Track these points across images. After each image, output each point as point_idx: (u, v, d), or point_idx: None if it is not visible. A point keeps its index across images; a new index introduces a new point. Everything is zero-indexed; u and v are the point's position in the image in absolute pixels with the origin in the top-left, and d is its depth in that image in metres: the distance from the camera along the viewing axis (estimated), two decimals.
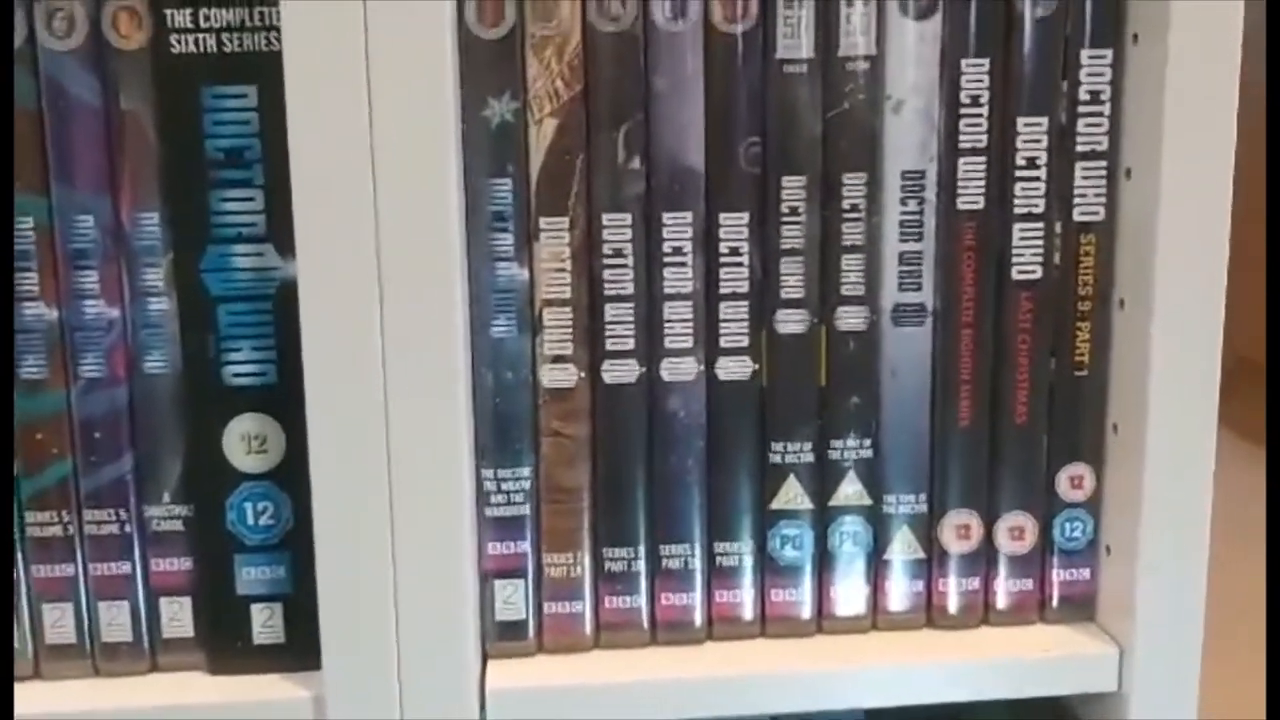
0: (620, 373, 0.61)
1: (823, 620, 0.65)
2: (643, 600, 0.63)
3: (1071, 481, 0.64)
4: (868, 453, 0.63)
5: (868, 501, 0.64)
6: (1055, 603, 0.65)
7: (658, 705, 0.62)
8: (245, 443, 0.60)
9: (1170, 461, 0.61)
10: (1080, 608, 0.66)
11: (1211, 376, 0.60)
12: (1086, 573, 0.65)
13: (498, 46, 0.57)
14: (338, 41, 0.53)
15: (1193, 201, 0.58)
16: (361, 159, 0.55)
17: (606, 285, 0.60)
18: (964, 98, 0.60)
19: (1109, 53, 0.60)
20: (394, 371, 0.56)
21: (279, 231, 0.57)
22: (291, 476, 0.60)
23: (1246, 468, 2.29)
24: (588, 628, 0.63)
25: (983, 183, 0.60)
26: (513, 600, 0.63)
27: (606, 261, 0.60)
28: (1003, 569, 0.65)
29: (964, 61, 0.59)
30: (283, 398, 0.59)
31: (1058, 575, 0.65)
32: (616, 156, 0.59)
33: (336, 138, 0.54)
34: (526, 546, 0.62)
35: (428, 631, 0.59)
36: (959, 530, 0.64)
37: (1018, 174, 0.60)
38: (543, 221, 0.59)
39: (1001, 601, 0.65)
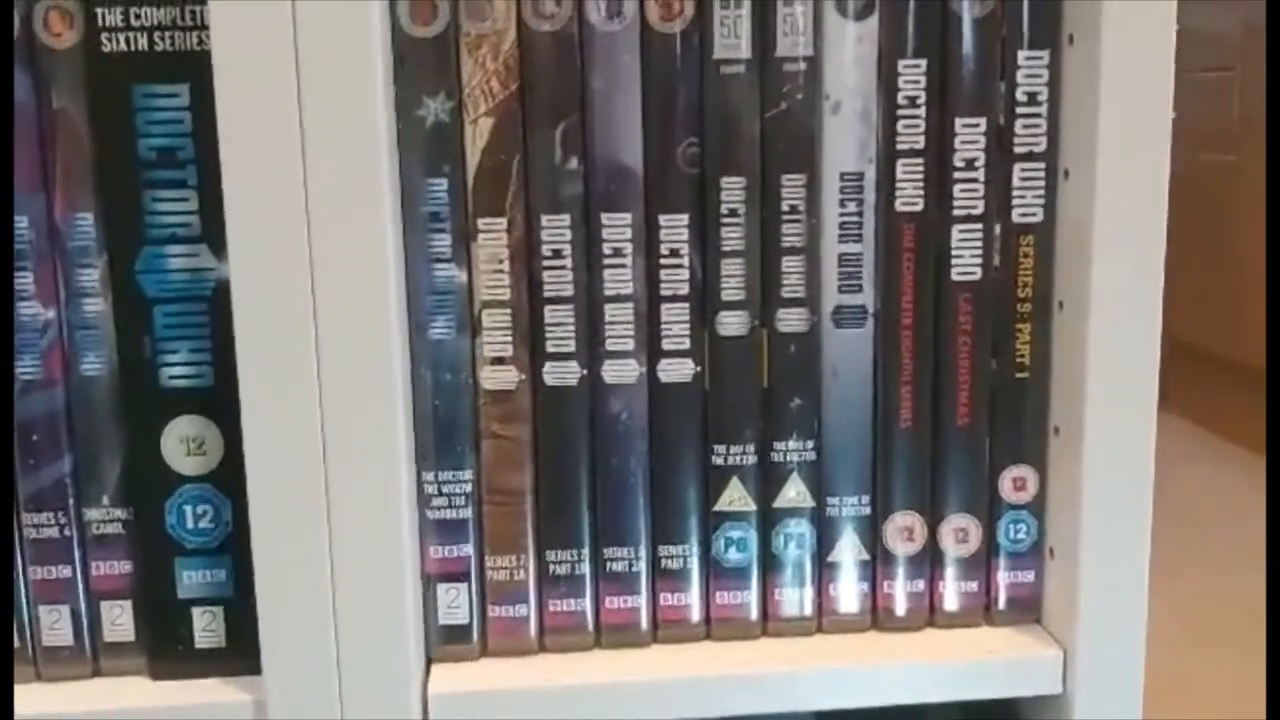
0: (561, 374, 0.60)
1: (768, 623, 0.63)
2: (587, 603, 0.62)
3: (1014, 483, 0.63)
4: (810, 454, 0.62)
5: (811, 503, 0.62)
6: (1001, 605, 0.64)
7: (603, 708, 0.60)
8: (184, 445, 0.59)
9: (1109, 463, 0.59)
10: (1026, 610, 0.64)
11: (1150, 378, 0.59)
12: (1031, 575, 0.64)
13: (431, 45, 0.56)
14: (267, 41, 0.52)
15: (1129, 202, 0.57)
16: (293, 159, 0.53)
17: (546, 286, 0.59)
18: (902, 99, 0.58)
19: (1046, 53, 0.59)
20: (329, 374, 0.55)
21: (214, 232, 0.55)
22: (231, 479, 0.58)
23: (1196, 451, 2.30)
24: (532, 631, 0.62)
25: (921, 184, 0.59)
26: (456, 604, 0.61)
27: (545, 262, 0.58)
28: (948, 571, 0.64)
29: (901, 62, 0.58)
30: (221, 400, 0.57)
31: (1003, 577, 0.64)
32: (554, 156, 0.58)
33: (267, 138, 0.53)
34: (469, 549, 0.61)
35: (368, 635, 0.58)
36: (903, 532, 0.63)
37: (956, 175, 0.59)
38: (480, 222, 0.58)
39: (947, 604, 0.64)
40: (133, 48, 0.55)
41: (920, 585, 0.64)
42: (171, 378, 0.58)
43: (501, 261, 0.58)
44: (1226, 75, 2.26)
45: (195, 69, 0.55)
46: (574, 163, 0.58)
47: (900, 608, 0.64)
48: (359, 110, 0.53)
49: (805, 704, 0.62)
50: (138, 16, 0.54)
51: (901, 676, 0.62)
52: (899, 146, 0.59)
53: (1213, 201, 2.25)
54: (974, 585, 0.64)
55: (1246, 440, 2.28)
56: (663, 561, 0.62)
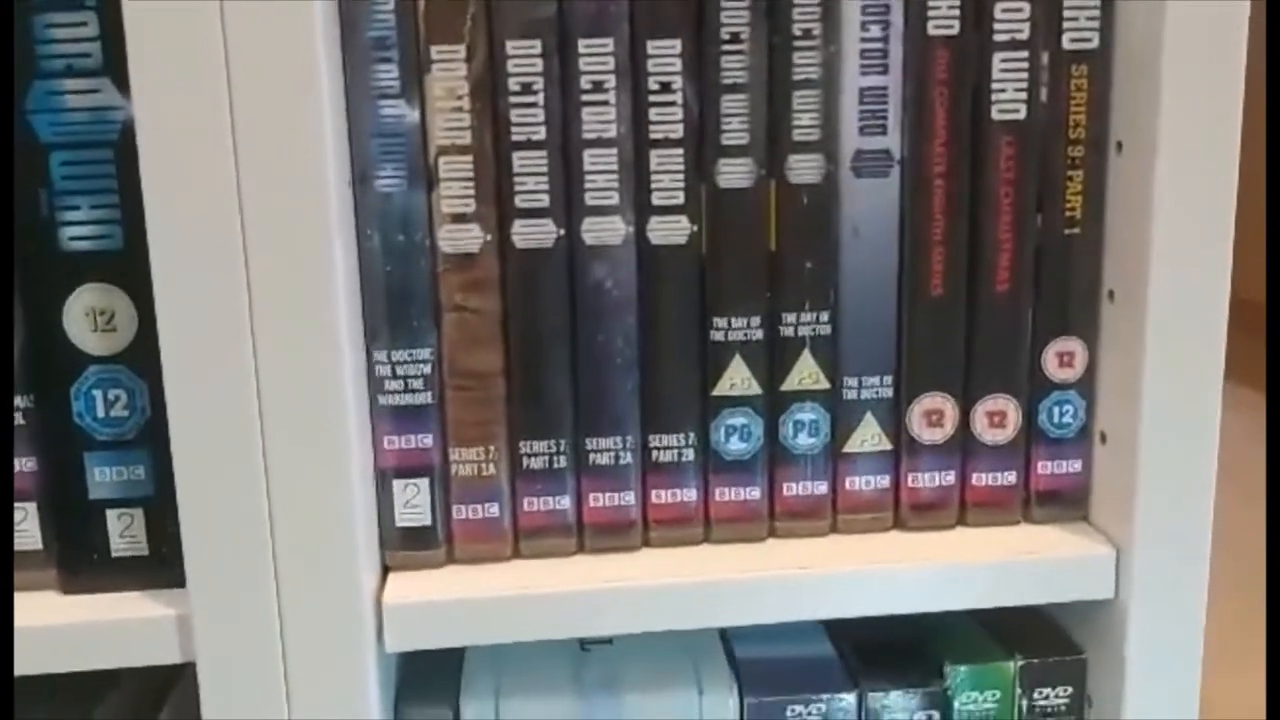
0: (534, 235, 0.51)
1: (775, 522, 0.56)
2: (568, 501, 0.54)
3: (1060, 359, 0.55)
4: (825, 328, 0.54)
5: (825, 385, 0.54)
6: (1042, 498, 0.57)
7: (587, 621, 0.53)
8: (90, 319, 0.50)
9: (1176, 334, 0.51)
10: (1071, 504, 0.57)
11: (1225, 230, 0.50)
12: (1078, 464, 0.56)
13: None
14: None
15: (1204, 21, 0.48)
16: None
17: (514, 129, 0.50)
18: None
19: None
20: (254, 232, 0.46)
21: (118, 63, 0.46)
22: (146, 358, 0.49)
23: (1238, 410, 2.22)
24: (505, 533, 0.54)
25: (957, 2, 0.50)
26: (415, 503, 0.53)
27: (513, 99, 0.50)
28: (981, 460, 0.56)
29: None
30: (131, 265, 0.48)
31: (1044, 467, 0.56)
32: None
33: None
34: (430, 441, 0.53)
35: (309, 539, 0.49)
36: (930, 416, 0.55)
37: None
38: (434, 50, 0.49)
39: (980, 497, 0.56)
40: None
41: (950, 477, 0.56)
42: (73, 239, 0.49)
43: (460, 98, 0.49)
44: None
45: None
46: None
47: (926, 503, 0.56)
48: None
49: (816, 613, 0.55)
50: None
51: (928, 581, 0.54)
52: None
53: None
54: (1011, 476, 0.56)
55: (1237, 374, 2.19)
56: (654, 453, 0.54)
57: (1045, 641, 0.58)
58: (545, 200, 0.51)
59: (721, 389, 0.54)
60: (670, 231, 0.52)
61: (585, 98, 0.50)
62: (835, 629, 0.60)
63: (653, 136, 0.51)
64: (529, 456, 0.53)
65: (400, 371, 0.52)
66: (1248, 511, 1.64)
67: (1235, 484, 1.69)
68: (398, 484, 0.53)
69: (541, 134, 0.50)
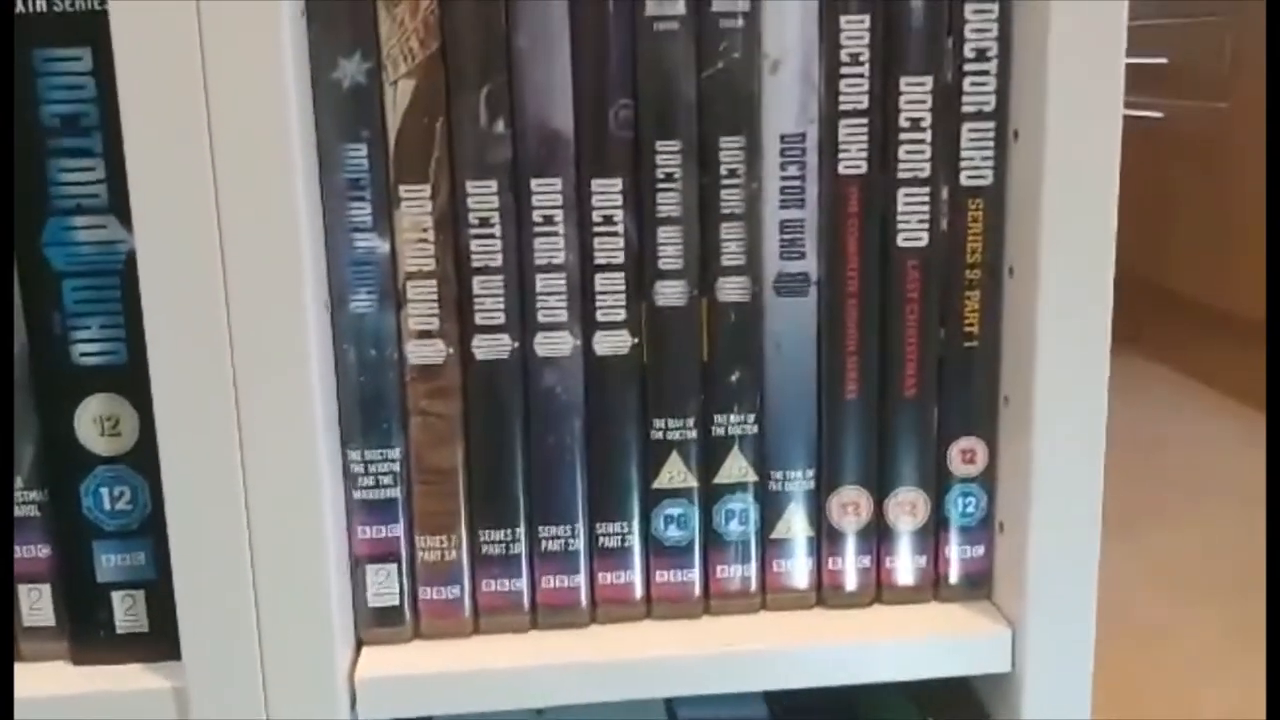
0: (492, 348, 0.55)
1: (710, 601, 0.59)
2: (523, 583, 0.58)
3: (963, 455, 0.59)
4: (753, 428, 0.57)
5: (754, 478, 0.58)
6: (953, 580, 0.60)
7: (540, 691, 0.57)
8: (98, 425, 0.54)
9: (1060, 434, 0.55)
10: (976, 585, 0.60)
11: (1100, 346, 0.54)
12: (981, 549, 0.60)
13: (346, 3, 0.51)
14: None
15: (1079, 164, 0.52)
16: (198, 125, 0.48)
17: (474, 256, 0.54)
18: (844, 56, 0.53)
19: (995, 7, 0.53)
20: (242, 349, 0.51)
21: (122, 202, 0.51)
22: (148, 459, 0.54)
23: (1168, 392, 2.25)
24: (466, 612, 0.58)
25: (865, 146, 0.54)
26: (386, 586, 0.57)
27: (473, 231, 0.54)
28: (896, 546, 0.60)
29: (843, 18, 0.53)
30: (134, 377, 0.53)
31: (953, 552, 0.60)
32: (479, 119, 0.53)
33: (170, 103, 0.48)
34: (399, 530, 0.57)
35: (290, 618, 0.53)
36: (848, 507, 0.59)
37: (901, 136, 0.54)
38: (403, 189, 0.53)
39: (895, 579, 0.60)
40: (31, 8, 0.50)
41: (866, 561, 0.60)
42: (83, 355, 0.54)
43: (426, 230, 0.54)
44: (1217, 19, 2.10)
45: (97, 30, 0.49)
46: (501, 126, 0.53)
47: (846, 584, 0.60)
48: (267, 71, 0.48)
49: (748, 685, 0.58)
50: None
51: (847, 655, 0.58)
52: (841, 107, 0.54)
53: (1204, 149, 2.11)
54: (922, 560, 0.60)
55: (1237, 392, 2.21)
56: (601, 540, 0.58)
57: (958, 706, 0.61)
58: (502, 318, 0.55)
59: (661, 482, 0.58)
60: (614, 344, 0.56)
61: (537, 229, 0.54)
62: (771, 692, 0.65)
63: (597, 262, 0.55)
64: (487, 544, 0.57)
65: (372, 469, 0.56)
66: (1243, 513, 1.69)
67: (1233, 496, 1.74)
68: (370, 569, 0.57)
69: (498, 261, 0.54)
